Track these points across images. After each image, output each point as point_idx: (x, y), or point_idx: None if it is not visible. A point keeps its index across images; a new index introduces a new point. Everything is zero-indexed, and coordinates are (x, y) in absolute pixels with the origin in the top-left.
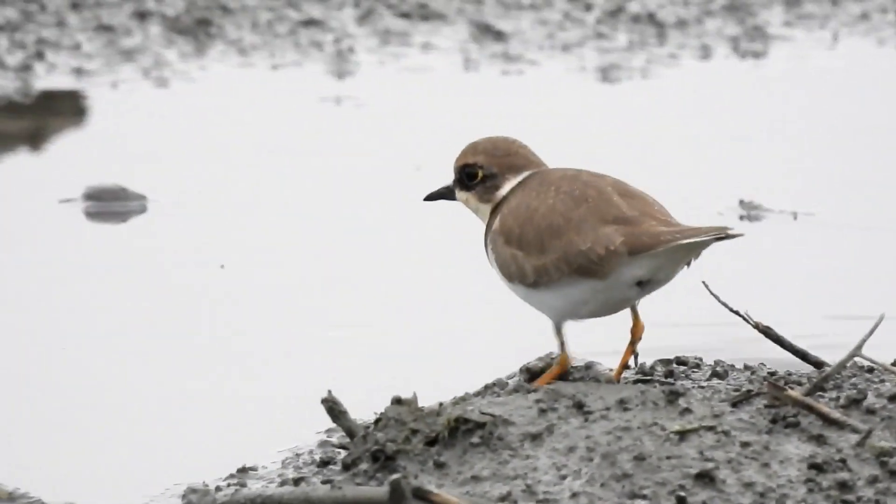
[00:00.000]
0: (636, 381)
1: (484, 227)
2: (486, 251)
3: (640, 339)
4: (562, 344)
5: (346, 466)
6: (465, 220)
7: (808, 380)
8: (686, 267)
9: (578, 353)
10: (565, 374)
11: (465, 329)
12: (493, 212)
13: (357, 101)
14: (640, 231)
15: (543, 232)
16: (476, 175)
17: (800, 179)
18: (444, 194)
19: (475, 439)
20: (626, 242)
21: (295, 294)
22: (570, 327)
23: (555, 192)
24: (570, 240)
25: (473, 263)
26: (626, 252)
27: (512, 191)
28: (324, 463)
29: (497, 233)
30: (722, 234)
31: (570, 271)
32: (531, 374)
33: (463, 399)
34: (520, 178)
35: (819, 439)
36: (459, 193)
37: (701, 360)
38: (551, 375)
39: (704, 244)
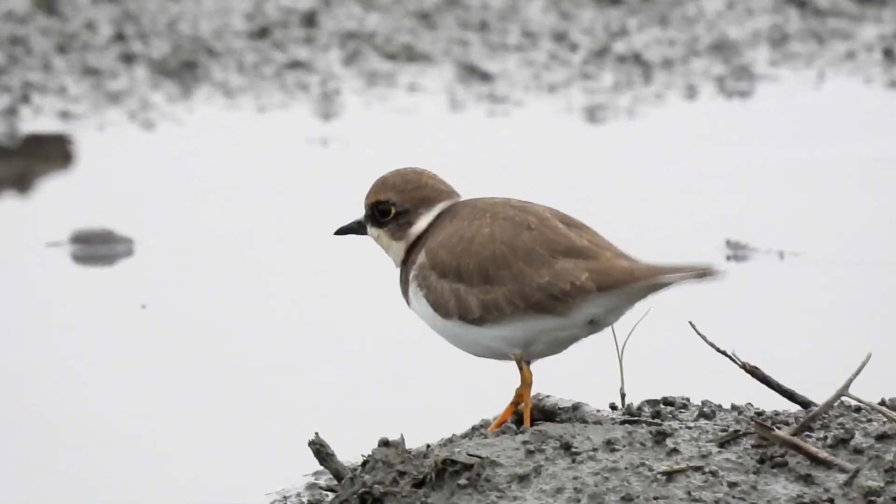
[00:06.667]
0: (623, 422)
1: (397, 264)
2: (408, 289)
3: (527, 403)
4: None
5: None
6: None
7: (795, 419)
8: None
9: (565, 394)
10: (552, 415)
11: (452, 370)
12: (412, 248)
13: (343, 142)
14: (608, 266)
15: (486, 262)
16: (389, 212)
17: (786, 219)
18: (355, 229)
19: (462, 481)
20: (592, 278)
21: (281, 335)
22: (546, 368)
23: (491, 218)
24: (522, 271)
25: None
26: (595, 288)
27: (432, 224)
28: None
29: (426, 268)
30: (707, 272)
31: (525, 307)
32: (518, 415)
33: (450, 440)
34: (435, 210)
35: (807, 479)
36: (371, 230)
37: (688, 400)
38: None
39: (680, 282)
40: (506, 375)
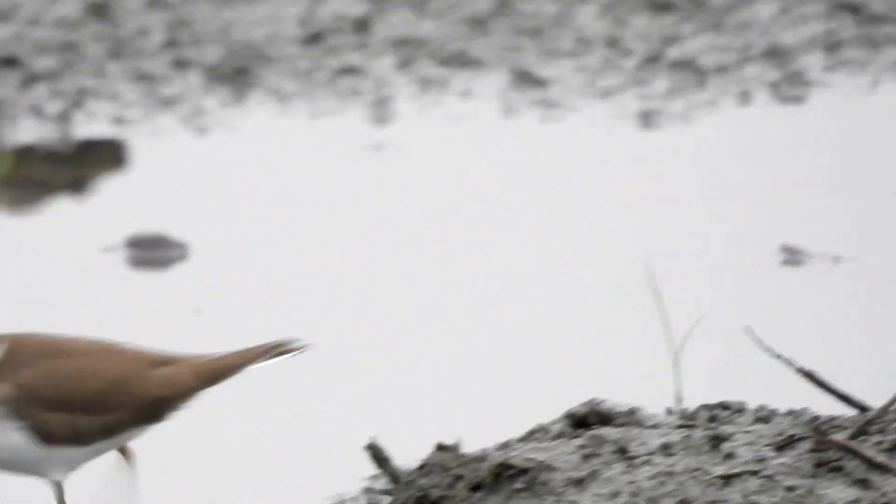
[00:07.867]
0: (679, 426)
1: None
2: None
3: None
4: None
5: None
6: (501, 269)
7: (852, 424)
8: None
9: (621, 399)
10: (608, 419)
11: (508, 375)
12: None
13: (397, 148)
14: (207, 365)
15: (97, 393)
16: None
17: (841, 224)
18: None
19: (519, 485)
20: (200, 378)
21: (335, 339)
22: (603, 373)
23: (78, 354)
24: (132, 392)
25: (515, 309)
26: (205, 385)
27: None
28: None
29: (24, 402)
30: (292, 348)
31: (138, 421)
32: (575, 419)
33: (506, 445)
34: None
35: (863, 483)
36: None
37: (744, 404)
38: None
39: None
40: (560, 381)
